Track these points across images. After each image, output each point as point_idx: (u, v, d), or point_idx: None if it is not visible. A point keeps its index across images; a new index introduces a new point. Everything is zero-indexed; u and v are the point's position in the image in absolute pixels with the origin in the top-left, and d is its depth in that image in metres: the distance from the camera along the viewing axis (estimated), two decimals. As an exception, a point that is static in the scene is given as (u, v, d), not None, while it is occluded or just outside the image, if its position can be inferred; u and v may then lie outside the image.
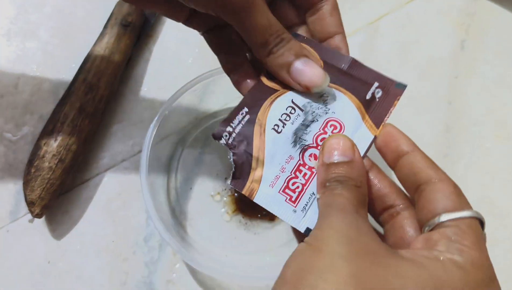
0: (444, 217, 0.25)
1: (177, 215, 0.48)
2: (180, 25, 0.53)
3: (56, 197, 0.46)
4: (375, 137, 0.31)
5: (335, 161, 0.28)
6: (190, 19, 0.33)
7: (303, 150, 0.31)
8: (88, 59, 0.48)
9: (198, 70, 0.52)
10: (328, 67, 0.32)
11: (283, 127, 0.31)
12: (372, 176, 0.30)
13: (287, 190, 0.30)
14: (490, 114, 0.54)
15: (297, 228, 0.29)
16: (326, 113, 0.31)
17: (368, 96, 0.32)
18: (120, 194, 0.49)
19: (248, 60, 0.35)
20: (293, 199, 0.30)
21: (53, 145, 0.45)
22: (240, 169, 0.31)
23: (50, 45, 0.53)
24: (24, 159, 0.49)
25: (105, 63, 0.48)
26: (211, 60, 0.53)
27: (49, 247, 0.47)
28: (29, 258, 0.47)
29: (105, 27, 0.50)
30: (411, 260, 0.24)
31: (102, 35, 0.49)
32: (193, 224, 0.48)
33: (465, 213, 0.25)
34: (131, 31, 0.50)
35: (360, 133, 0.31)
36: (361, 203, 0.27)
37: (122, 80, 0.51)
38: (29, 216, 0.46)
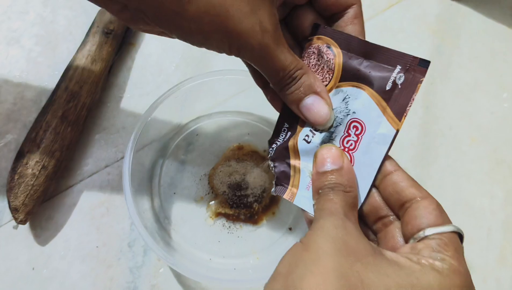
0: (428, 231, 0.27)
1: (161, 221, 0.49)
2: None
3: (40, 203, 0.46)
4: (397, 132, 0.31)
5: (326, 170, 0.31)
6: None
7: None
8: (70, 67, 0.49)
9: (180, 77, 0.54)
10: (348, 59, 0.32)
11: (313, 137, 0.33)
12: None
13: None
14: (465, 118, 0.56)
15: None
16: (348, 114, 0.32)
17: (388, 86, 0.31)
18: (103, 200, 0.49)
19: None
20: None
21: (36, 152, 0.45)
22: (281, 178, 0.35)
23: (33, 52, 0.53)
24: (7, 166, 0.49)
25: (87, 71, 0.48)
26: (193, 68, 0.55)
27: (33, 253, 0.47)
28: (13, 264, 0.47)
29: (87, 35, 0.50)
30: (393, 261, 0.26)
31: (84, 43, 0.50)
32: (177, 229, 0.49)
33: (447, 228, 0.27)
34: (113, 39, 0.51)
35: (382, 129, 0.31)
36: (351, 206, 0.30)
37: (104, 88, 0.52)
38: (13, 222, 0.46)
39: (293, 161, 0.35)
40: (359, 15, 0.33)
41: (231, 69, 0.48)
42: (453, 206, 0.52)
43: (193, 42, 0.30)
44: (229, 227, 0.49)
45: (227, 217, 0.49)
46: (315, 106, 0.32)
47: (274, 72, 0.31)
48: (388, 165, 0.31)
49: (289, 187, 0.35)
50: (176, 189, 0.50)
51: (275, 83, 0.32)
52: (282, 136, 0.35)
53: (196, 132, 0.52)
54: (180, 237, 0.48)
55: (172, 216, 0.49)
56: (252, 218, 0.50)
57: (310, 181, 0.33)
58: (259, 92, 0.50)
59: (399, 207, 0.30)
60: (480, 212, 0.53)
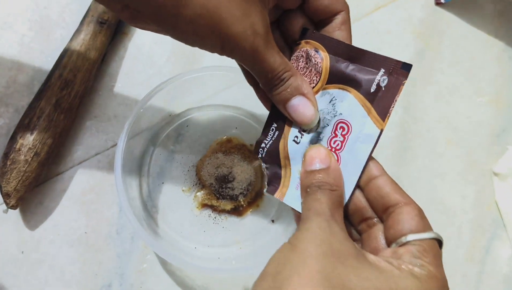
0: (410, 237, 0.29)
1: (148, 209, 0.50)
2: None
3: (31, 189, 0.47)
4: (381, 131, 0.33)
5: (314, 169, 0.32)
6: None
7: None
8: (64, 55, 0.49)
9: (172, 68, 0.55)
10: (335, 63, 0.34)
11: (301, 138, 0.35)
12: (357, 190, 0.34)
13: None
14: (443, 121, 0.58)
15: None
16: (335, 116, 0.34)
17: (372, 89, 0.33)
18: (93, 187, 0.50)
19: None
20: None
21: (29, 138, 0.46)
22: (272, 178, 0.37)
23: (26, 37, 0.53)
24: (-2, 150, 0.50)
25: (81, 59, 0.49)
26: (185, 59, 0.56)
27: (22, 238, 0.48)
28: (2, 248, 0.48)
29: (81, 23, 0.51)
30: (374, 264, 0.28)
31: (78, 31, 0.50)
32: (164, 218, 0.50)
33: (427, 235, 0.29)
34: (107, 29, 0.51)
35: (366, 129, 0.33)
36: (336, 205, 0.31)
37: (96, 76, 0.52)
38: (4, 206, 0.47)
39: (283, 162, 0.37)
40: (347, 21, 0.35)
41: (222, 66, 0.49)
42: (427, 204, 0.55)
43: (187, 42, 0.31)
44: (215, 217, 0.51)
45: (213, 208, 0.51)
46: (300, 106, 0.34)
47: (264, 73, 0.33)
48: (374, 169, 0.33)
49: (280, 187, 0.37)
50: (164, 178, 0.51)
51: (264, 83, 0.34)
52: (270, 135, 0.37)
53: (186, 123, 0.53)
54: (166, 226, 0.50)
55: (159, 204, 0.51)
56: (237, 210, 0.52)
57: (299, 181, 0.35)
58: (247, 88, 0.51)
59: (382, 211, 0.32)
60: (452, 211, 0.56)
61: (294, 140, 0.36)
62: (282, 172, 0.37)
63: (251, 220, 0.51)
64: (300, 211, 0.34)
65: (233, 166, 0.52)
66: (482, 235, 0.56)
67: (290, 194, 0.36)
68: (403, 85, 0.32)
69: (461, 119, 0.59)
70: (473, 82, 0.60)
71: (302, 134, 0.35)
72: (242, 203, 0.51)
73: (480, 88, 0.60)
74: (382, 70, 0.33)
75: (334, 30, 0.35)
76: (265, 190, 0.38)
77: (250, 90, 0.51)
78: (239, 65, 0.37)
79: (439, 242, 0.30)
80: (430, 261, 0.28)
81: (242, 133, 0.54)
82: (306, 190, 0.32)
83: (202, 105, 0.54)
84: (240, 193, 0.51)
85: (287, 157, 0.36)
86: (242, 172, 0.52)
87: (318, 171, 0.32)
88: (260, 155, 0.38)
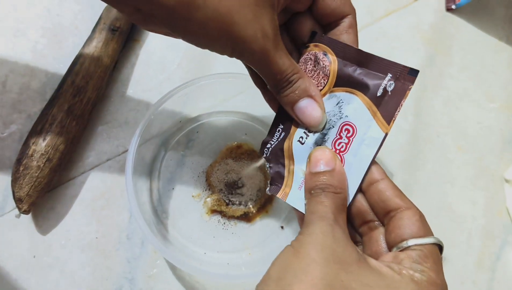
0: (411, 242, 0.30)
1: (159, 214, 0.51)
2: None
3: (43, 194, 0.48)
4: (386, 135, 0.33)
5: (319, 171, 0.33)
6: None
7: None
8: (77, 62, 0.50)
9: (183, 74, 0.55)
10: (343, 67, 0.35)
11: (306, 138, 0.36)
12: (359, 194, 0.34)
13: None
14: (453, 126, 0.58)
15: None
16: (341, 118, 0.34)
17: (379, 93, 0.33)
18: (104, 193, 0.51)
19: None
20: None
21: (42, 144, 0.47)
22: (276, 178, 0.38)
23: (39, 44, 0.54)
24: (11, 156, 0.50)
25: (93, 66, 0.50)
26: (196, 65, 0.56)
27: (34, 242, 0.49)
28: (15, 252, 0.48)
29: (94, 31, 0.51)
30: (376, 270, 0.28)
31: (90, 39, 0.51)
32: (174, 223, 0.51)
33: (428, 240, 0.30)
34: (119, 36, 0.52)
35: (371, 132, 0.33)
36: (340, 208, 0.32)
37: (108, 83, 0.53)
38: (16, 211, 0.48)
39: (287, 162, 0.37)
40: (354, 25, 0.36)
41: (232, 72, 0.50)
42: (437, 210, 0.55)
43: (198, 45, 0.32)
44: (224, 223, 0.51)
45: (222, 214, 0.51)
46: (308, 108, 0.34)
47: (272, 75, 0.33)
48: (376, 173, 0.33)
49: (283, 186, 0.37)
50: (174, 184, 0.52)
51: (272, 85, 0.34)
52: (276, 136, 0.37)
53: (197, 129, 0.54)
54: (176, 231, 0.50)
55: (169, 210, 0.51)
56: (246, 216, 0.52)
57: (303, 181, 0.35)
58: (257, 94, 0.52)
59: (383, 215, 0.32)
60: (462, 217, 0.56)
61: (299, 141, 0.36)
62: (286, 172, 0.37)
63: (260, 226, 0.52)
64: (303, 211, 0.34)
65: (242, 172, 0.52)
66: (492, 242, 0.55)
67: (293, 194, 0.36)
68: (409, 90, 0.33)
69: (472, 124, 0.59)
70: (483, 88, 0.60)
71: (308, 135, 0.36)
72: (252, 209, 0.52)
73: (490, 93, 0.60)
74: (389, 75, 0.33)
75: (341, 33, 0.35)
76: (267, 189, 0.38)
77: (260, 96, 0.51)
78: (247, 67, 0.38)
79: (440, 247, 0.30)
80: (431, 267, 0.29)
81: (252, 139, 0.54)
82: (310, 191, 0.33)
83: (212, 111, 0.54)
84: (250, 199, 0.52)
85: (291, 157, 0.37)
86: (252, 178, 0.52)
87: (323, 173, 0.33)
88: (264, 155, 0.38)
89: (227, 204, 0.51)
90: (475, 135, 0.58)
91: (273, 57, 0.32)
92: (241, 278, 0.47)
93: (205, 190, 0.52)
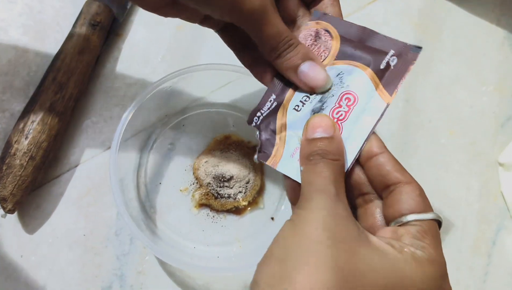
0: (410, 217, 0.29)
1: (147, 210, 0.50)
2: (149, 24, 0.55)
3: (28, 193, 0.47)
4: (388, 105, 0.32)
5: (317, 137, 0.31)
6: (205, 20, 0.36)
7: None
8: (58, 58, 0.49)
9: (167, 67, 0.54)
10: (345, 42, 0.34)
11: (303, 106, 0.35)
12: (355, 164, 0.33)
13: None
14: (445, 111, 0.57)
15: None
16: (342, 87, 0.34)
17: (382, 66, 0.33)
18: (90, 189, 0.50)
19: None
20: None
21: (24, 143, 0.46)
22: (265, 145, 0.36)
23: (20, 42, 0.53)
24: (-5, 156, 0.50)
25: (74, 62, 0.49)
26: (180, 58, 0.55)
27: (21, 242, 0.48)
28: (2, 252, 0.48)
29: (74, 26, 0.51)
30: (378, 249, 0.27)
31: (71, 34, 0.50)
32: (162, 218, 0.50)
33: (428, 215, 0.29)
34: (100, 31, 0.51)
35: (373, 102, 0.33)
36: (340, 179, 0.31)
37: (91, 78, 0.52)
38: (1, 211, 0.47)
39: (279, 130, 0.36)
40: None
41: (217, 63, 0.49)
42: (431, 196, 0.53)
43: (197, 5, 0.31)
44: (213, 216, 0.51)
45: (211, 207, 0.51)
46: (311, 71, 0.34)
47: (271, 37, 0.33)
48: (375, 146, 0.32)
49: (273, 154, 0.35)
50: (162, 179, 0.51)
51: (270, 49, 0.34)
52: (267, 105, 0.36)
53: (183, 123, 0.53)
54: (165, 226, 0.50)
55: (157, 205, 0.50)
56: (236, 209, 0.51)
57: (296, 149, 0.34)
58: (243, 85, 0.51)
59: (382, 189, 0.31)
60: (457, 203, 0.55)
61: (295, 109, 0.35)
62: (277, 139, 0.36)
63: (250, 218, 0.51)
64: (296, 179, 0.33)
65: (230, 164, 0.51)
66: (488, 227, 0.54)
67: (284, 162, 0.34)
68: (413, 64, 0.32)
69: (464, 109, 0.58)
70: (475, 71, 0.59)
71: (304, 104, 0.35)
72: (241, 202, 0.51)
73: (482, 76, 0.59)
74: (392, 51, 0.33)
75: (327, 6, 0.36)
76: (255, 156, 0.36)
77: (247, 87, 0.51)
78: (230, 44, 0.38)
79: (439, 223, 0.30)
80: (429, 243, 0.28)
81: (239, 130, 0.53)
82: (308, 158, 0.31)
83: (198, 104, 0.53)
84: (239, 192, 0.51)
85: (284, 125, 0.35)
86: (240, 171, 0.51)
87: (321, 139, 0.31)
88: (254, 124, 0.37)
89: (216, 198, 0.51)
90: (468, 119, 0.57)
91: (272, 17, 0.32)
92: (232, 271, 0.46)
93: (193, 184, 0.51)
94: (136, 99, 0.46)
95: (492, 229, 0.54)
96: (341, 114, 0.33)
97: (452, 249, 0.53)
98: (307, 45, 0.35)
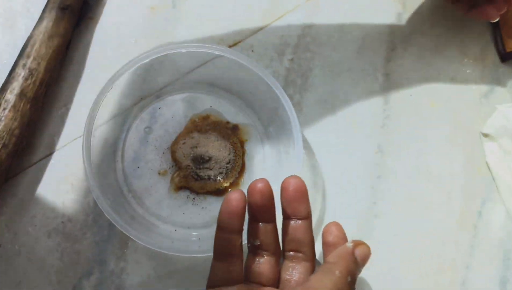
0: None
1: (125, 194, 0.49)
2: (122, 6, 0.54)
3: (3, 181, 0.47)
4: None
5: None
6: None
7: None
8: (27, 44, 0.48)
9: (142, 50, 0.53)
10: None
11: None
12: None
13: None
14: (425, 83, 0.56)
15: None
16: None
17: None
18: (68, 176, 0.50)
19: None
20: None
21: (-4, 131, 0.45)
22: None
23: (-11, 30, 0.52)
24: (-31, 146, 0.49)
25: (44, 47, 0.48)
26: (154, 40, 0.54)
27: (-1, 231, 0.48)
28: (-20, 243, 0.47)
29: (44, 11, 0.50)
30: None
31: (40, 19, 0.49)
32: (141, 202, 0.49)
33: None
34: (70, 15, 0.50)
35: None
36: None
37: (63, 64, 0.52)
38: (-23, 201, 0.47)
39: None
40: None
41: (193, 42, 0.48)
42: (414, 172, 0.54)
43: None
44: (194, 198, 0.50)
45: (191, 189, 0.50)
46: None
47: None
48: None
49: None
50: (139, 163, 0.50)
51: None
52: None
53: (159, 105, 0.52)
54: (144, 210, 0.49)
55: (136, 189, 0.50)
56: (217, 190, 0.50)
57: None
58: (220, 65, 0.50)
59: None
60: (441, 177, 0.54)
61: None
62: None
63: (231, 199, 0.50)
64: None
65: (209, 145, 0.50)
66: (473, 200, 0.54)
67: None
68: None
69: (445, 80, 0.57)
70: (456, 42, 0.58)
71: None
72: (223, 183, 0.50)
73: (464, 47, 0.58)
74: None
75: None
76: None
77: (224, 67, 0.50)
78: None
79: None
80: None
81: (217, 109, 0.52)
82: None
83: (174, 85, 0.53)
84: (219, 173, 0.50)
85: None
86: (220, 151, 0.50)
87: None
88: None
89: (196, 179, 0.50)
90: (450, 91, 0.57)
91: None
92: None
93: (171, 167, 0.51)
94: (107, 82, 0.46)
95: (478, 202, 0.54)
96: None
97: (438, 225, 0.52)
98: None
